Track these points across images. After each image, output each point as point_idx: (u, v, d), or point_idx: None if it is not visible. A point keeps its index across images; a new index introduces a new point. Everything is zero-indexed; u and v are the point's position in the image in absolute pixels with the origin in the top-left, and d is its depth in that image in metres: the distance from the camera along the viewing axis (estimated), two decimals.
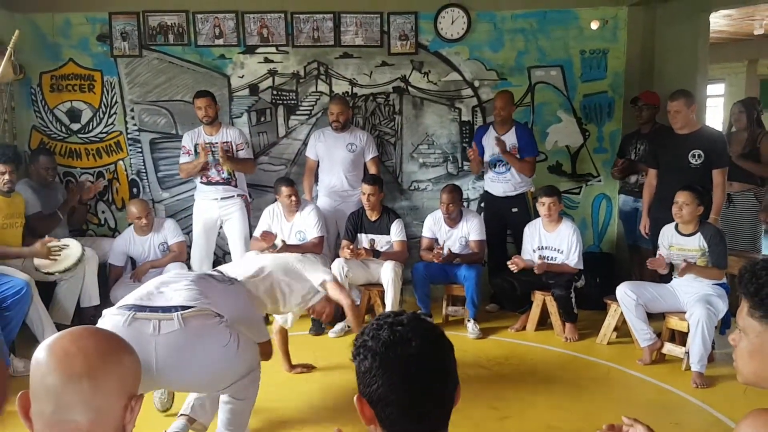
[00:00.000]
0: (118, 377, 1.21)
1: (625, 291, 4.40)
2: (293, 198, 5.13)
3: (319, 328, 5.07)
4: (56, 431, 1.17)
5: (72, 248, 4.73)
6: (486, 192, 5.69)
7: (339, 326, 5.04)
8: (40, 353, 1.20)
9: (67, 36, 5.71)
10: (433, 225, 5.33)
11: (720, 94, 11.21)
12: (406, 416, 1.27)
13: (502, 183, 5.49)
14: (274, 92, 5.86)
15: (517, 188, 5.46)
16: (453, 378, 1.32)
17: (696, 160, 4.65)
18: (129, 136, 5.86)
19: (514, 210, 5.44)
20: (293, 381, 4.08)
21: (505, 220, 5.51)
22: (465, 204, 5.76)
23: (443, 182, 5.70)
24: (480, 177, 5.96)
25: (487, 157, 5.48)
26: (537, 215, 5.20)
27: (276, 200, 5.31)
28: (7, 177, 4.57)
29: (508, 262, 4.96)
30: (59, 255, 4.62)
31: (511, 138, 5.41)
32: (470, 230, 5.22)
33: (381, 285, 5.09)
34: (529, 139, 5.45)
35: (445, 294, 5.35)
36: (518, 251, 5.57)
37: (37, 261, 4.60)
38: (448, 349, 1.33)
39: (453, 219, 5.23)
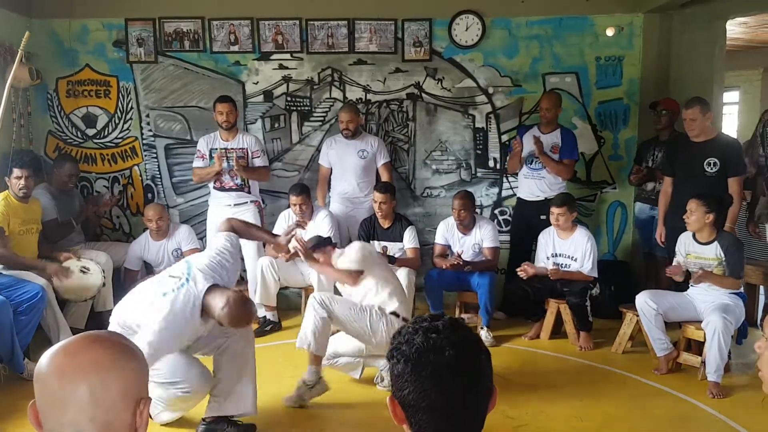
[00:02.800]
0: (119, 387, 1.18)
1: (645, 300, 4.35)
2: (301, 207, 5.15)
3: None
4: None
5: (92, 276, 4.72)
6: (518, 199, 5.68)
7: None
8: (40, 370, 1.18)
9: (84, 42, 5.76)
10: (446, 231, 5.31)
11: (735, 101, 11.13)
12: (437, 423, 1.27)
13: (535, 180, 5.43)
14: (288, 98, 5.87)
15: (550, 191, 5.38)
16: (486, 387, 1.32)
17: (711, 168, 4.62)
18: (144, 141, 5.89)
19: (543, 217, 5.30)
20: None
21: (532, 227, 5.40)
22: (478, 211, 5.75)
23: (456, 189, 5.67)
24: (493, 184, 5.96)
25: (524, 153, 5.42)
26: None
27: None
28: (23, 182, 4.57)
29: (518, 269, 4.93)
30: (80, 281, 4.64)
31: (554, 138, 5.38)
32: (483, 237, 5.20)
33: None
34: (571, 142, 5.40)
35: (458, 301, 5.33)
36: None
37: (56, 284, 4.58)
38: (483, 358, 1.32)
39: (466, 226, 5.21)
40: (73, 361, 1.17)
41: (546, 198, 5.36)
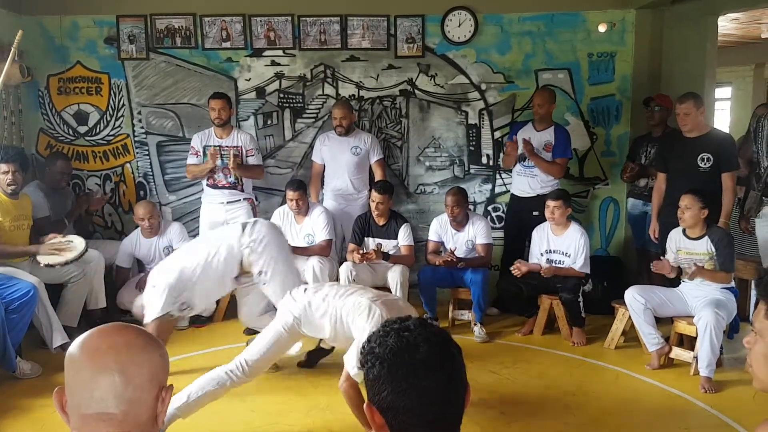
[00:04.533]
0: (148, 371, 1.26)
1: (633, 295, 4.38)
2: (297, 203, 5.14)
3: None
4: (92, 423, 1.22)
5: (75, 243, 4.71)
6: (512, 195, 5.67)
7: None
8: (74, 350, 1.26)
9: (75, 39, 5.73)
10: (439, 228, 5.31)
11: (727, 97, 11.18)
12: (416, 423, 1.26)
13: (528, 177, 5.41)
14: (281, 95, 5.86)
15: (542, 188, 5.36)
16: (462, 382, 1.31)
17: (705, 164, 4.63)
18: (136, 138, 5.87)
19: (535, 213, 5.29)
20: (300, 386, 4.06)
21: (526, 222, 5.37)
22: (472, 207, 5.75)
23: (450, 185, 5.68)
24: (486, 180, 5.96)
25: (519, 150, 5.39)
26: None
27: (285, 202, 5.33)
28: (10, 177, 4.53)
29: (511, 267, 4.93)
30: (64, 247, 4.62)
31: (547, 135, 5.36)
32: (477, 234, 5.20)
33: (386, 288, 5.08)
34: (564, 140, 5.37)
35: (452, 298, 5.33)
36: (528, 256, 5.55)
37: (39, 256, 4.59)
38: (456, 354, 1.31)
39: (459, 222, 5.21)
40: (108, 340, 1.26)
41: (538, 195, 5.36)
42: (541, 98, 5.37)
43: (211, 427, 3.44)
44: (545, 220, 5.10)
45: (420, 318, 1.36)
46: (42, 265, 4.56)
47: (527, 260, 5.11)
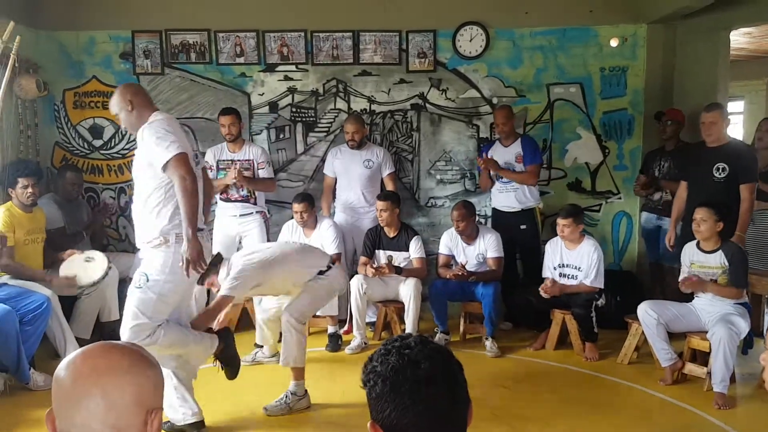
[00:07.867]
0: (132, 394, 1.20)
1: (646, 310, 4.35)
2: (302, 215, 5.16)
3: (335, 345, 5.07)
4: None
5: (97, 262, 4.74)
6: (493, 209, 5.69)
7: (355, 343, 5.03)
8: (59, 373, 1.21)
9: (91, 54, 5.81)
10: (450, 242, 5.31)
11: (739, 111, 11.11)
12: None
13: (513, 192, 5.46)
14: (294, 109, 5.90)
15: (525, 201, 5.43)
16: (464, 398, 1.32)
17: (720, 174, 4.59)
18: None
19: (523, 227, 5.39)
20: (314, 395, 4.05)
21: (513, 237, 5.43)
22: (483, 221, 5.75)
23: (460, 199, 5.68)
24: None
25: (493, 170, 5.47)
26: (551, 233, 5.17)
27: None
28: (30, 190, 4.63)
29: (540, 289, 4.90)
30: (76, 273, 4.64)
31: (516, 148, 5.43)
32: (488, 247, 5.20)
33: (398, 301, 5.09)
34: (532, 148, 5.44)
35: (463, 311, 5.32)
36: (525, 269, 5.54)
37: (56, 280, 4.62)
38: (457, 370, 1.33)
39: (469, 236, 5.21)
40: (89, 363, 1.20)
41: (523, 209, 5.41)
42: (502, 116, 5.43)
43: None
44: (534, 233, 5.13)
45: (421, 335, 1.38)
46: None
47: (534, 274, 5.10)
